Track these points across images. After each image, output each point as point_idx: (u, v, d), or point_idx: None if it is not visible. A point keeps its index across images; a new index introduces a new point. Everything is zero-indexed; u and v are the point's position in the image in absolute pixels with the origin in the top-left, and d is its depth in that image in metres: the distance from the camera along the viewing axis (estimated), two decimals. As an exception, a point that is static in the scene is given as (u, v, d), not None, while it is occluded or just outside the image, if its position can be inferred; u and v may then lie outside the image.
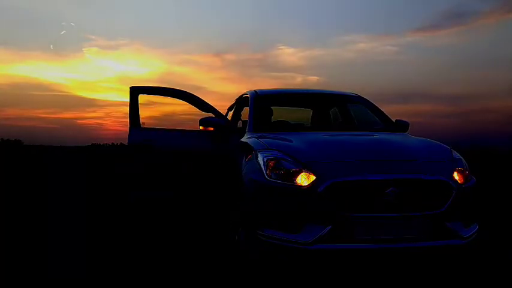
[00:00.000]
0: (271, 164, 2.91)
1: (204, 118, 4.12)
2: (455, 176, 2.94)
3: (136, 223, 4.43)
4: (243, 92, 4.77)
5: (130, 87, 4.56)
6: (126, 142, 4.52)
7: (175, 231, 4.16)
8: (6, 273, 2.95)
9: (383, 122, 4.23)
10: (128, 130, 4.43)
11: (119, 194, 6.04)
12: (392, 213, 2.68)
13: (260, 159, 2.99)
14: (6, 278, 2.88)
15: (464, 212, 2.88)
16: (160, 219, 4.44)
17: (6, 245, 3.71)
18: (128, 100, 4.52)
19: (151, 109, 5.14)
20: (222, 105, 5.85)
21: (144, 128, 4.49)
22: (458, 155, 3.22)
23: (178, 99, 4.80)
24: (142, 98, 4.65)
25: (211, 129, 4.06)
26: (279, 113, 4.81)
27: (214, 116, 4.54)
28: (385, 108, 4.42)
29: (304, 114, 5.17)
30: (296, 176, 2.79)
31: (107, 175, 10.43)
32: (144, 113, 4.61)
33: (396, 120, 4.21)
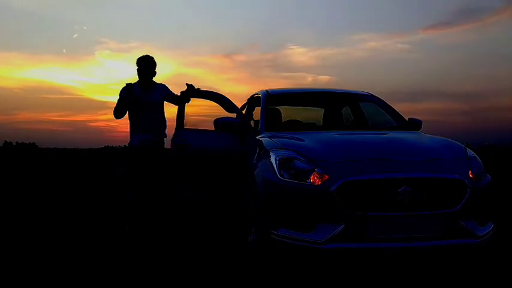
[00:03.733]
0: (283, 163, 2.91)
1: (219, 119, 4.05)
2: (470, 174, 2.90)
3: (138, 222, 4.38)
4: (254, 92, 4.78)
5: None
6: None
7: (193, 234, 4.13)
8: (6, 274, 2.96)
9: (396, 120, 4.20)
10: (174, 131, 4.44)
11: (120, 194, 6.07)
12: (406, 212, 2.66)
13: (273, 158, 2.99)
14: (6, 278, 2.88)
15: (479, 211, 2.85)
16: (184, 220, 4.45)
17: (6, 245, 3.73)
18: None
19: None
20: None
21: (186, 129, 4.47)
22: (473, 153, 3.19)
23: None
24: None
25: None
26: (290, 112, 4.79)
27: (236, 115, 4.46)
28: (397, 107, 4.40)
29: (316, 113, 5.16)
30: (308, 175, 2.79)
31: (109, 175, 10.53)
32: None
33: (409, 118, 4.18)
